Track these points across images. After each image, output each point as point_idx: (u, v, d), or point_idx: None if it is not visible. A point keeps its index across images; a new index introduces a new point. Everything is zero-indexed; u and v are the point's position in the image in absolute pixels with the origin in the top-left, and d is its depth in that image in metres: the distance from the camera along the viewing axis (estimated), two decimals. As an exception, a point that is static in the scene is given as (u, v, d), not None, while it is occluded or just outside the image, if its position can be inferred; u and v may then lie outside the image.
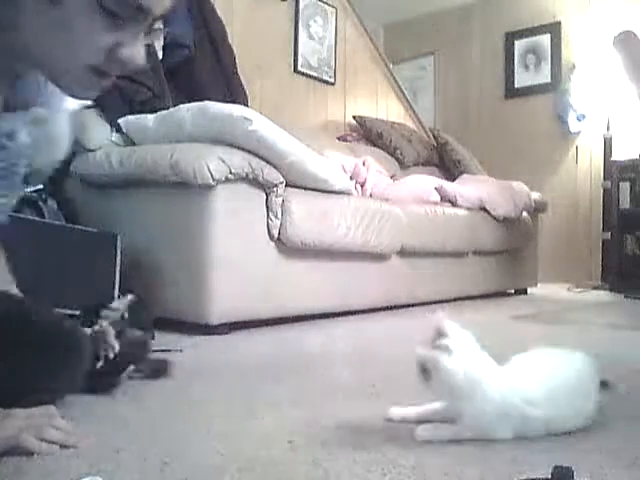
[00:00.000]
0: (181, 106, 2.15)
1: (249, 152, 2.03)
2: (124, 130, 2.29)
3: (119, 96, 2.38)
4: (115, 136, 2.32)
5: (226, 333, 2.00)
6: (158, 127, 2.19)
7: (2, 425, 0.84)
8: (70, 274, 1.83)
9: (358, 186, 3.28)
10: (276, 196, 2.12)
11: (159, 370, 1.34)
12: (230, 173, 1.96)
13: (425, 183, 3.47)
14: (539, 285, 4.11)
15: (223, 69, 2.97)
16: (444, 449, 0.89)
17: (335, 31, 4.32)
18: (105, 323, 1.24)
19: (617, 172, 4.28)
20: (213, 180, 1.92)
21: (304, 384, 1.34)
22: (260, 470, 0.81)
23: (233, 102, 2.51)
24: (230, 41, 3.07)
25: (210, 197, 1.97)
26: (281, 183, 2.12)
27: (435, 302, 3.06)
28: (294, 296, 2.25)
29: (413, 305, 2.91)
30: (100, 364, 1.16)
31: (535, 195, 3.90)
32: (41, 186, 2.09)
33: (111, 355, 1.19)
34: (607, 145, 4.47)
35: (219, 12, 3.03)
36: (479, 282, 3.42)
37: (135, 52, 0.77)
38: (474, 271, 3.38)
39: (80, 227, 2.08)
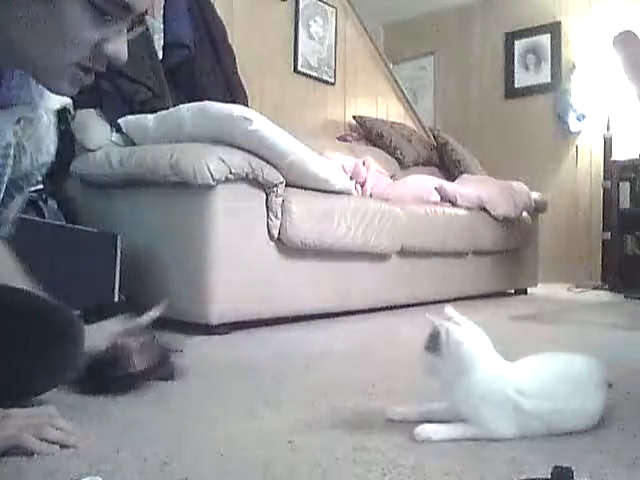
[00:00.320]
0: (181, 106, 2.15)
1: (249, 152, 2.03)
2: (124, 130, 2.29)
3: (119, 96, 2.38)
4: (115, 136, 2.32)
5: (226, 333, 2.00)
6: (158, 127, 2.19)
7: (2, 425, 0.84)
8: (70, 274, 1.83)
9: (358, 186, 3.28)
10: (276, 196, 2.12)
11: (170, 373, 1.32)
12: (230, 173, 1.96)
13: (425, 183, 3.47)
14: (539, 285, 4.11)
15: (223, 69, 2.97)
16: (444, 449, 0.89)
17: (335, 31, 4.32)
18: (131, 338, 1.23)
19: (617, 172, 4.27)
20: (213, 180, 1.92)
21: (304, 384, 1.34)
22: (260, 470, 0.81)
23: (233, 102, 2.51)
24: (230, 41, 3.07)
25: (210, 197, 1.97)
26: (281, 183, 2.12)
27: (435, 302, 3.06)
28: (294, 296, 2.25)
29: (413, 305, 2.91)
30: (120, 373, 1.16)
31: (535, 195, 3.90)
32: (41, 186, 2.09)
33: (133, 370, 1.19)
34: (607, 145, 4.47)
35: (219, 12, 3.03)
36: (479, 282, 3.42)
37: (119, 48, 0.78)
38: (474, 271, 3.37)
39: (80, 227, 2.08)
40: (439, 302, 3.08)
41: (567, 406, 0.96)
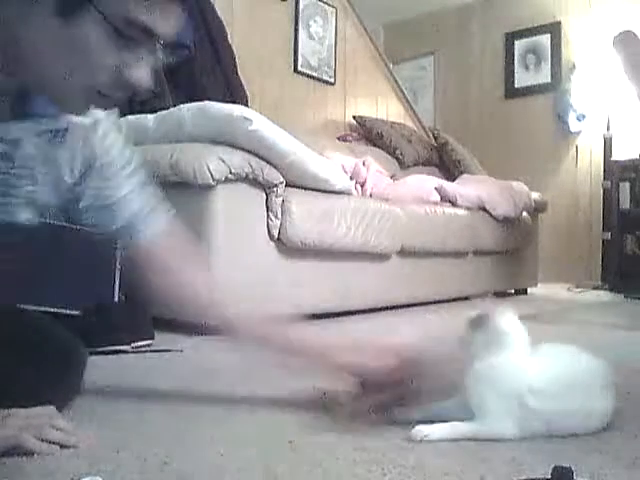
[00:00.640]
0: (181, 106, 2.15)
1: (249, 152, 2.03)
2: (124, 130, 2.29)
3: (119, 96, 2.38)
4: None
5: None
6: (158, 127, 2.19)
7: (2, 425, 0.84)
8: (70, 274, 1.83)
9: (358, 186, 3.28)
10: (276, 196, 2.12)
11: None
12: (230, 173, 1.96)
13: (425, 183, 3.47)
14: (539, 285, 4.11)
15: (223, 69, 2.97)
16: (444, 449, 0.89)
17: (335, 31, 4.32)
18: None
19: (617, 172, 4.27)
20: (213, 180, 1.92)
21: (304, 384, 1.34)
22: (260, 470, 0.81)
23: (233, 102, 2.51)
24: (230, 41, 3.07)
25: (210, 197, 1.97)
26: (281, 183, 2.12)
27: (435, 302, 3.06)
28: (294, 296, 2.25)
29: (413, 305, 2.91)
30: None
31: (535, 195, 3.90)
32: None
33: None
34: (607, 145, 4.47)
35: (219, 12, 3.03)
36: (479, 282, 3.42)
37: (140, 74, 0.77)
38: (474, 271, 3.37)
39: (80, 227, 2.08)
40: (439, 302, 3.08)
41: (574, 407, 0.95)
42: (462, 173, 4.15)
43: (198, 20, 2.86)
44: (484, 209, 3.48)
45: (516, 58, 5.12)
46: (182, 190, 2.00)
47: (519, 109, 5.10)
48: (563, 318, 2.73)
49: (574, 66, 4.73)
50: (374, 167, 3.54)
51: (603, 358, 1.04)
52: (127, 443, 0.90)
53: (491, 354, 0.96)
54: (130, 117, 2.30)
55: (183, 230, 1.10)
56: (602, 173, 4.47)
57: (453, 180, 3.89)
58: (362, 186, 3.34)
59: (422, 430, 0.93)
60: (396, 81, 4.87)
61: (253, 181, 2.05)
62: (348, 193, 2.53)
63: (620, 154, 4.40)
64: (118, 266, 2.02)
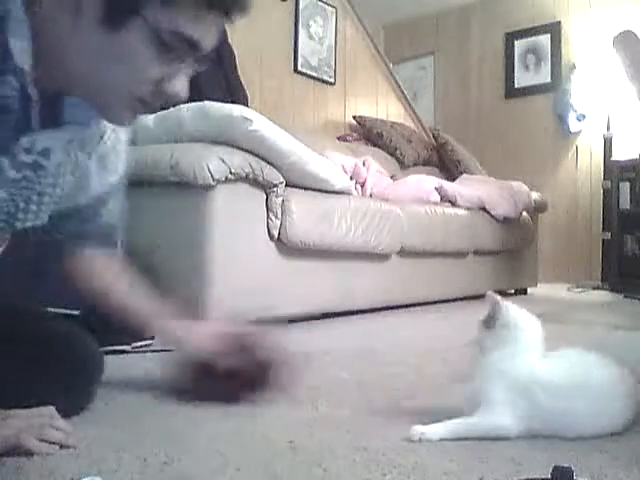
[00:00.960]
0: (181, 106, 2.15)
1: (249, 152, 2.03)
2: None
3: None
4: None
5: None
6: (158, 127, 2.19)
7: (2, 425, 0.84)
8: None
9: (358, 186, 3.28)
10: (276, 196, 2.12)
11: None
12: (230, 173, 1.95)
13: (425, 183, 3.47)
14: (539, 285, 4.11)
15: (223, 69, 2.97)
16: (444, 449, 0.89)
17: (335, 31, 4.32)
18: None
19: (617, 172, 4.27)
20: (213, 180, 1.92)
21: (304, 384, 1.34)
22: (260, 470, 0.81)
23: (233, 102, 2.51)
24: (230, 41, 3.07)
25: (210, 197, 1.97)
26: (281, 183, 2.12)
27: (435, 302, 3.07)
28: (294, 296, 2.25)
29: (413, 305, 2.91)
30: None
31: (535, 195, 3.90)
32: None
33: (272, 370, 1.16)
34: (607, 145, 4.47)
35: (219, 12, 3.03)
36: (479, 282, 3.42)
37: (180, 87, 0.78)
38: (474, 271, 3.37)
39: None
40: (439, 302, 3.08)
41: (584, 408, 0.94)
42: (462, 173, 4.15)
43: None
44: (484, 209, 3.48)
45: (516, 58, 5.12)
46: (182, 190, 2.00)
47: (519, 109, 5.10)
48: (563, 318, 2.73)
49: (574, 66, 4.73)
50: (374, 167, 3.54)
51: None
52: (127, 443, 0.90)
53: (503, 348, 0.96)
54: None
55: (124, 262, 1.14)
56: (602, 173, 4.47)
57: (453, 180, 3.89)
58: (362, 186, 3.34)
59: (420, 429, 0.93)
60: (396, 81, 4.87)
61: (253, 181, 2.05)
62: (348, 193, 2.53)
63: (620, 154, 4.40)
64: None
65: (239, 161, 1.98)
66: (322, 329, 2.26)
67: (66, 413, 0.93)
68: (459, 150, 4.41)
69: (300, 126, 3.79)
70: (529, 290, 3.98)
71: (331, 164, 2.60)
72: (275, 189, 2.11)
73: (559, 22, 4.88)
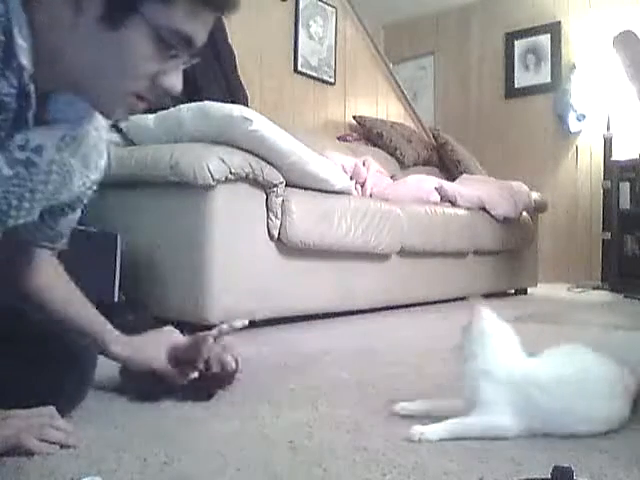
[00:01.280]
0: (181, 106, 2.15)
1: (249, 152, 2.03)
2: (124, 130, 2.29)
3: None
4: (115, 136, 2.32)
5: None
6: (158, 127, 2.19)
7: (2, 425, 0.84)
8: (70, 274, 1.83)
9: (358, 186, 3.28)
10: (276, 196, 2.12)
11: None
12: (230, 173, 1.96)
13: (425, 183, 3.47)
14: (539, 285, 4.11)
15: (223, 69, 2.97)
16: (444, 449, 0.89)
17: (335, 31, 4.32)
18: (227, 337, 1.23)
19: (617, 172, 4.27)
20: (213, 180, 1.92)
21: (304, 384, 1.34)
22: (260, 470, 0.81)
23: (233, 102, 2.51)
24: (230, 41, 3.07)
25: (210, 197, 1.97)
26: (281, 183, 2.12)
27: (435, 302, 3.07)
28: (294, 296, 2.25)
29: (413, 305, 2.91)
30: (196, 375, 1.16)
31: (535, 195, 3.90)
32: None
33: (230, 369, 1.20)
34: (607, 145, 4.47)
35: (219, 12, 3.03)
36: (479, 282, 3.42)
37: (175, 80, 0.79)
38: (474, 271, 3.38)
39: (80, 227, 2.08)
40: (439, 302, 3.08)
41: (577, 406, 0.94)
42: (462, 173, 4.15)
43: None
44: (484, 209, 3.48)
45: (516, 58, 5.12)
46: (182, 190, 2.00)
47: (519, 109, 5.10)
48: (563, 318, 2.73)
49: (574, 66, 4.73)
50: (374, 167, 3.54)
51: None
52: (127, 443, 0.90)
53: (479, 354, 0.98)
54: (130, 117, 2.30)
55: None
56: (602, 173, 4.47)
57: (453, 180, 3.90)
58: (362, 186, 3.34)
59: (420, 429, 0.93)
60: (396, 81, 4.87)
61: (253, 181, 2.05)
62: (348, 193, 2.53)
63: (620, 154, 4.40)
64: (118, 266, 2.02)
65: (239, 161, 1.98)
66: (322, 329, 2.26)
67: (60, 411, 0.93)
68: (459, 150, 4.41)
69: (300, 126, 3.79)
70: (529, 290, 3.98)
71: (331, 164, 2.60)
72: (275, 189, 2.11)
73: (559, 22, 4.88)
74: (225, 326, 1.25)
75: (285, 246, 2.19)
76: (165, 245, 2.06)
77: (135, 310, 1.89)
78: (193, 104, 2.13)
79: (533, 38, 5.02)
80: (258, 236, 2.12)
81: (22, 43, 0.70)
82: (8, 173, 0.79)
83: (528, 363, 0.99)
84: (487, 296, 3.45)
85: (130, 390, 1.19)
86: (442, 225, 3.06)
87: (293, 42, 4.02)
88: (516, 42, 5.12)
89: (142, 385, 1.18)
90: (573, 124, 4.71)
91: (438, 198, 3.35)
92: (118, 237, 2.03)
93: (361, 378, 1.40)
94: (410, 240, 2.81)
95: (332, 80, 4.32)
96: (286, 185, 2.16)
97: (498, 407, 0.94)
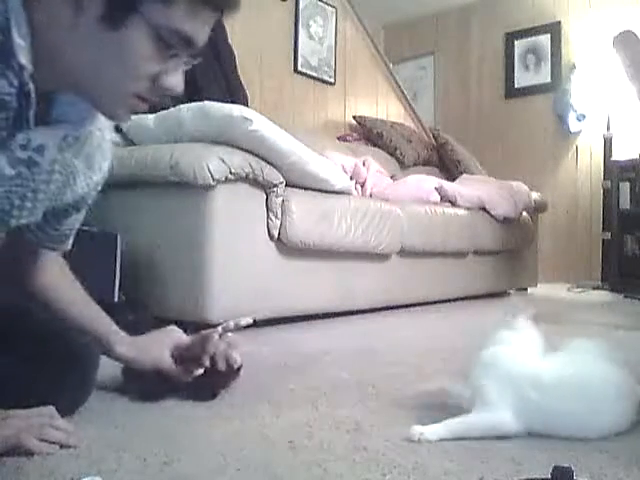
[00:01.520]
0: (181, 106, 2.15)
1: (249, 152, 2.03)
2: (124, 130, 2.29)
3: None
4: (115, 136, 2.31)
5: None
6: (158, 127, 2.19)
7: (2, 425, 0.84)
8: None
9: (358, 186, 3.28)
10: (276, 196, 2.12)
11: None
12: (230, 173, 1.95)
13: (425, 183, 3.47)
14: (539, 285, 4.11)
15: (223, 69, 2.97)
16: (444, 449, 0.89)
17: (335, 31, 4.32)
18: (231, 334, 1.23)
19: (617, 172, 4.27)
20: (213, 180, 1.92)
21: (304, 384, 1.34)
22: (260, 470, 0.81)
23: (233, 102, 2.51)
24: (230, 41, 3.07)
25: (210, 197, 1.97)
26: (281, 183, 2.12)
27: (435, 302, 3.07)
28: (294, 296, 2.25)
29: (413, 305, 2.91)
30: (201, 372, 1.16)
31: (535, 195, 3.90)
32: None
33: (236, 365, 1.19)
34: (607, 145, 4.47)
35: (219, 12, 3.03)
36: (479, 282, 3.42)
37: (176, 81, 0.79)
38: (474, 271, 3.37)
39: (80, 227, 2.08)
40: (439, 302, 3.08)
41: (577, 408, 0.94)
42: (462, 173, 4.15)
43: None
44: (484, 209, 3.48)
45: (516, 58, 5.12)
46: (182, 190, 2.00)
47: (519, 109, 5.10)
48: (563, 318, 2.73)
49: (574, 66, 4.73)
50: (374, 167, 3.54)
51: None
52: (127, 443, 0.90)
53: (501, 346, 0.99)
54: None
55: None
56: (602, 173, 4.47)
57: (453, 180, 3.90)
58: (362, 186, 3.34)
59: (419, 429, 0.93)
60: (396, 81, 4.87)
61: (253, 181, 2.05)
62: (348, 193, 2.53)
63: (620, 154, 4.40)
64: (118, 266, 2.02)
65: (239, 161, 1.98)
66: (322, 329, 2.26)
67: (62, 411, 0.93)
68: (459, 150, 4.41)
69: (300, 126, 3.79)
70: (529, 290, 3.98)
71: (331, 164, 2.60)
72: (275, 189, 2.11)
73: (559, 22, 4.88)
74: (231, 323, 1.25)
75: (285, 246, 2.19)
76: (165, 245, 2.06)
77: (135, 310, 1.88)
78: (193, 104, 2.13)
79: (533, 38, 5.02)
80: (258, 236, 2.12)
81: (20, 42, 0.70)
82: (10, 173, 0.79)
83: (537, 363, 0.99)
84: (487, 296, 3.46)
85: (132, 390, 1.19)
86: (442, 225, 3.06)
87: (293, 42, 4.02)
88: (516, 42, 5.12)
89: (145, 385, 1.18)
90: (573, 124, 4.71)
91: (438, 198, 3.35)
92: (118, 237, 2.03)
93: (361, 378, 1.40)
94: (410, 240, 2.81)
95: (332, 80, 4.32)
96: (286, 185, 2.16)
97: (499, 405, 0.94)
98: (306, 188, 2.27)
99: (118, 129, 2.30)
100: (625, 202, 4.24)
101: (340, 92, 4.40)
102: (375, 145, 4.18)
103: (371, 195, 3.26)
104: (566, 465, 0.70)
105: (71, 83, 0.78)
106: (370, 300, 2.66)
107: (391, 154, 4.13)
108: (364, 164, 3.49)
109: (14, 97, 0.72)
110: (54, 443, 0.86)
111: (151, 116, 2.23)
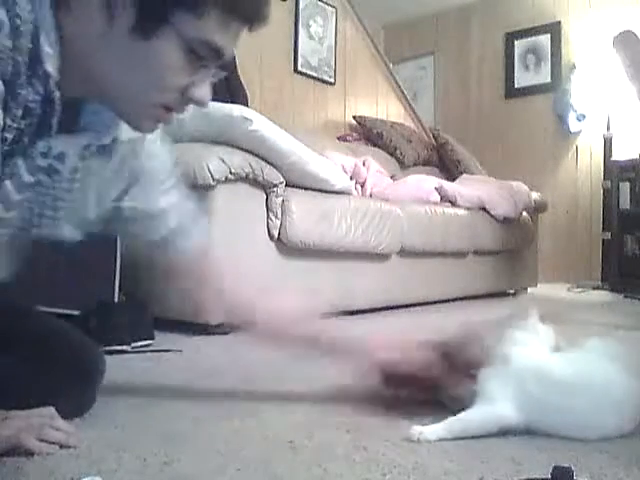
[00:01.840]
0: (181, 106, 2.15)
1: (249, 152, 2.03)
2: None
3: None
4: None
5: (226, 333, 2.00)
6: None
7: (2, 425, 0.84)
8: (70, 274, 1.83)
9: (358, 186, 3.28)
10: (276, 196, 2.12)
11: None
12: (230, 173, 1.95)
13: (425, 183, 3.47)
14: (539, 285, 4.11)
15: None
16: (444, 449, 0.89)
17: (335, 31, 4.32)
18: None
19: (617, 172, 4.27)
20: (213, 180, 1.92)
21: (304, 384, 1.34)
22: (260, 470, 0.81)
23: (233, 102, 2.51)
24: (230, 41, 3.07)
25: (210, 197, 1.97)
26: (281, 183, 2.12)
27: (435, 302, 3.06)
28: (294, 296, 2.25)
29: (413, 305, 2.91)
30: None
31: (535, 195, 3.90)
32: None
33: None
34: (607, 145, 4.47)
35: (219, 12, 3.03)
36: (479, 282, 3.42)
37: (204, 92, 0.79)
38: (474, 271, 3.37)
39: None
40: (439, 302, 3.08)
41: (579, 409, 0.93)
42: (462, 173, 4.15)
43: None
44: (484, 209, 3.48)
45: (516, 58, 5.12)
46: (182, 190, 2.00)
47: (519, 109, 5.09)
48: (563, 318, 2.72)
49: (574, 66, 4.73)
50: (374, 167, 3.54)
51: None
52: (127, 443, 0.90)
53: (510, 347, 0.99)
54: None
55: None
56: (602, 173, 4.47)
57: (453, 180, 3.89)
58: (362, 186, 3.34)
59: (419, 429, 0.93)
60: (396, 81, 4.87)
61: (253, 181, 2.05)
62: (348, 193, 2.53)
63: (620, 154, 4.40)
64: (118, 266, 2.02)
65: (239, 161, 1.98)
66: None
67: (68, 415, 0.93)
68: (459, 150, 4.41)
69: (300, 126, 3.79)
70: (529, 290, 3.98)
71: (331, 164, 2.60)
72: (275, 189, 2.11)
73: (559, 22, 4.88)
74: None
75: (285, 246, 2.19)
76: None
77: (135, 310, 1.88)
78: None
79: (533, 38, 5.02)
80: (258, 236, 2.12)
81: (49, 50, 0.70)
82: (29, 180, 0.79)
83: (543, 357, 0.99)
84: (487, 296, 3.46)
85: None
86: (442, 225, 3.06)
87: (293, 42, 4.02)
88: (516, 42, 5.11)
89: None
90: (573, 124, 4.70)
91: (438, 198, 3.35)
92: (118, 237, 2.03)
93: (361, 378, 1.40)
94: (410, 240, 2.81)
95: (332, 80, 4.32)
96: (286, 185, 2.16)
97: (499, 397, 0.94)
98: (306, 188, 2.27)
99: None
100: (625, 202, 4.24)
101: (340, 92, 4.40)
102: (375, 145, 4.18)
103: (371, 195, 3.26)
104: (566, 465, 0.70)
105: (98, 91, 0.77)
106: (370, 300, 2.66)
107: (391, 154, 4.13)
108: (364, 164, 3.49)
109: (38, 104, 0.72)
110: (54, 443, 0.86)
111: (151, 116, 2.23)
